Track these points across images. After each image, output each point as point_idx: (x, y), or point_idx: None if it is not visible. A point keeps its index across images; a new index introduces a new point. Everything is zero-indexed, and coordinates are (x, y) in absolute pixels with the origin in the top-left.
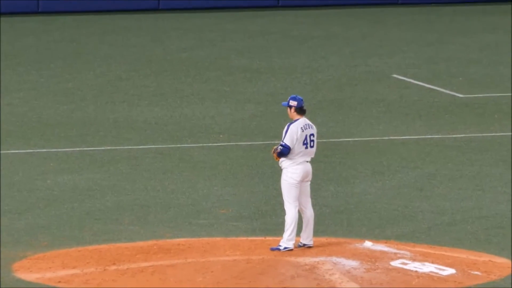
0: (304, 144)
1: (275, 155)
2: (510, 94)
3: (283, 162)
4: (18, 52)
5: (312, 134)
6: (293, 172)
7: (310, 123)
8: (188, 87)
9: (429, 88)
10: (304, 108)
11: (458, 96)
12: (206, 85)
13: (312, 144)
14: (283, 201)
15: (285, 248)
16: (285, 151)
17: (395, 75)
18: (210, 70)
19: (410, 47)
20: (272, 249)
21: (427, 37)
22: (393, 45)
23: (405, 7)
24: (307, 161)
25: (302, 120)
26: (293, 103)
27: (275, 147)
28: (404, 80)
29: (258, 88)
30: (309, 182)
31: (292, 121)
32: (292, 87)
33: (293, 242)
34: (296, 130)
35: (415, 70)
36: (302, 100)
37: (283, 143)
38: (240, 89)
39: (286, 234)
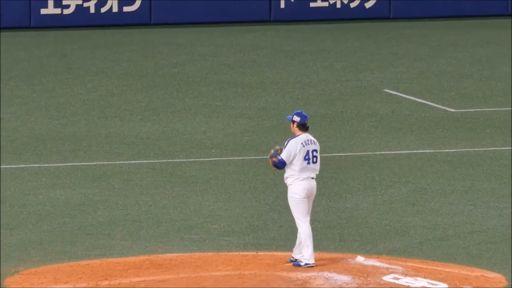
0: (305, 159)
1: (271, 161)
2: (502, 108)
3: (288, 179)
4: (10, 66)
5: (315, 150)
6: (297, 188)
7: (313, 139)
8: (180, 102)
9: (421, 102)
10: (307, 125)
11: (450, 111)
12: (197, 100)
13: (315, 160)
14: (293, 218)
15: (306, 264)
16: (280, 166)
17: (386, 90)
18: (201, 85)
19: (401, 61)
20: (294, 265)
21: (418, 52)
22: (385, 59)
23: (397, 22)
24: (312, 178)
25: (304, 136)
26: (296, 118)
27: (272, 151)
28: (395, 94)
29: (250, 103)
30: (311, 200)
31: (293, 136)
32: (283, 102)
33: (313, 257)
34: (295, 146)
35: (406, 84)
36: (306, 117)
37: (280, 158)
38: (232, 104)
39: (307, 253)
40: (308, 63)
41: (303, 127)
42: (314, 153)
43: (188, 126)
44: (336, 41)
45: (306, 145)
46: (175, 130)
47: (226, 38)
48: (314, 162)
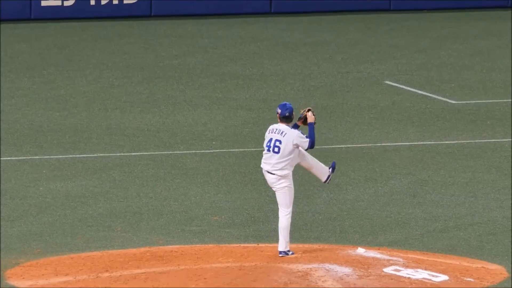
0: (267, 146)
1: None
2: (503, 100)
3: None
4: (10, 58)
5: (278, 140)
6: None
7: (283, 129)
8: (181, 94)
9: (421, 94)
10: (288, 116)
11: (451, 102)
12: (198, 91)
13: (276, 150)
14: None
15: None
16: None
17: (387, 82)
18: (202, 76)
19: (402, 53)
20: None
21: (419, 44)
22: (385, 51)
23: (397, 14)
24: (268, 171)
25: (277, 125)
26: (278, 110)
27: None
28: (396, 86)
29: (251, 95)
30: (277, 192)
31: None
32: (284, 94)
33: (284, 245)
34: (267, 133)
35: (407, 76)
36: (287, 109)
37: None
38: (233, 96)
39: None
40: (308, 55)
41: (284, 118)
42: (277, 143)
43: (189, 118)
44: (337, 33)
45: (271, 132)
46: (176, 122)
47: (227, 30)
48: (275, 152)
